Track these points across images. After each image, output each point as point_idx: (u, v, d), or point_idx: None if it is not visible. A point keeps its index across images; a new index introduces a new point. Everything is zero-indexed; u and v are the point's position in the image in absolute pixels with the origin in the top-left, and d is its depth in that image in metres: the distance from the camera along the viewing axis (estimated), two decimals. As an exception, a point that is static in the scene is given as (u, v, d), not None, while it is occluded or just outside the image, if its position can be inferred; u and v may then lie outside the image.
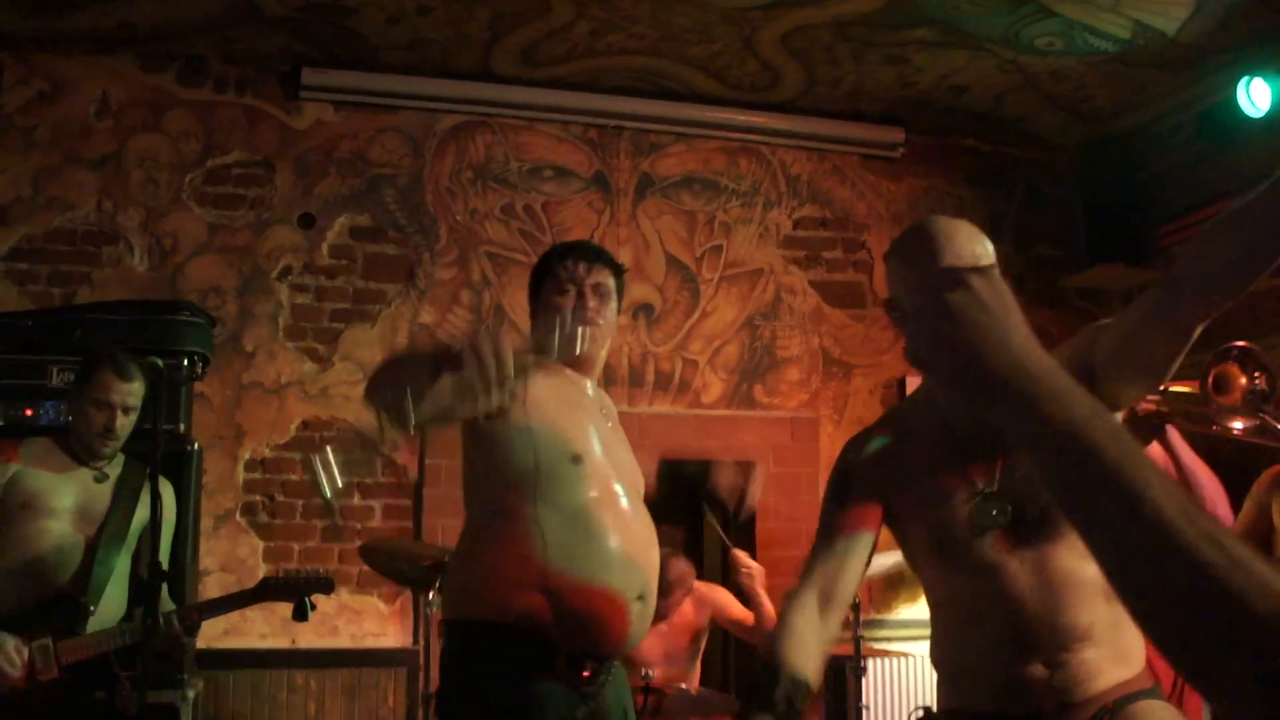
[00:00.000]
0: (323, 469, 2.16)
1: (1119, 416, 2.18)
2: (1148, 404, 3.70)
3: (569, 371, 2.80)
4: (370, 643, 5.16)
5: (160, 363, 3.54)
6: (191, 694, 4.41)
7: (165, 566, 3.59)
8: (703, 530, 6.25)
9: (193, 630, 3.58)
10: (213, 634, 4.88)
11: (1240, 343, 3.43)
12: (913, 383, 5.77)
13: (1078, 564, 2.04)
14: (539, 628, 2.55)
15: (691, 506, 6.17)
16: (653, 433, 5.30)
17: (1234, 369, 3.42)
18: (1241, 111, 5.22)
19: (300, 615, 3.75)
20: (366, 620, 5.18)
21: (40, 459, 3.64)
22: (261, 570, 5.09)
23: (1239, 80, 5.20)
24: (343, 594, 5.15)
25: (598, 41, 5.30)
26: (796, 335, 5.91)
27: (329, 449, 1.97)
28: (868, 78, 5.61)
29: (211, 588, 5.01)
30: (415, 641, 5.10)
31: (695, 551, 5.94)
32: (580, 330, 2.33)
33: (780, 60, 5.44)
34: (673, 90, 5.77)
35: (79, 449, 3.65)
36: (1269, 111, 5.14)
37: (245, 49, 5.36)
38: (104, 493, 3.65)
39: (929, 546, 2.19)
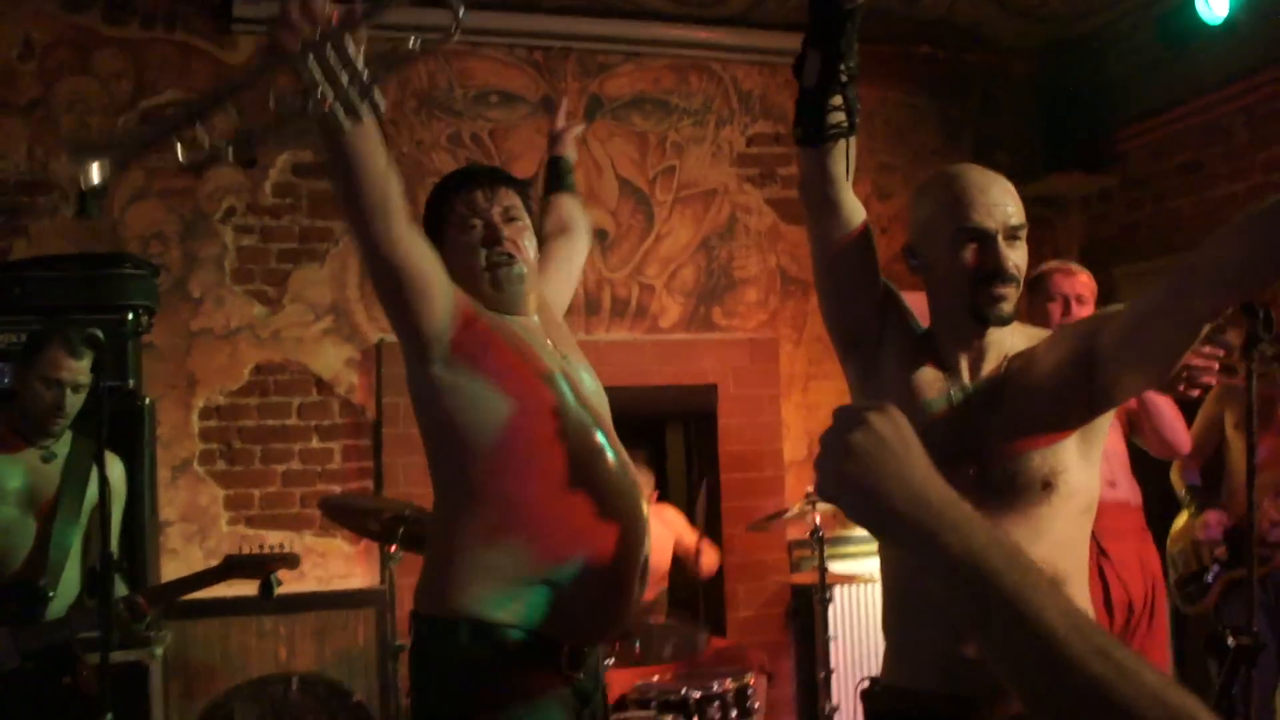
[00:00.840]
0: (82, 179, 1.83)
1: (1110, 413, 2.16)
2: None
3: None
4: (337, 584, 5.16)
5: (100, 335, 3.45)
6: (159, 650, 4.41)
7: (116, 549, 3.57)
8: (666, 453, 6.27)
9: (141, 618, 3.53)
10: (178, 585, 4.87)
11: None
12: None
13: (1028, 544, 2.03)
14: (540, 624, 2.29)
15: (652, 430, 6.19)
16: (611, 359, 5.24)
17: None
18: (1199, 17, 5.11)
19: (266, 594, 3.71)
20: (332, 562, 5.18)
21: None
22: (223, 519, 5.07)
23: (1197, -16, 5.09)
24: (307, 536, 5.13)
25: (540, -38, 5.14)
26: (754, 255, 5.84)
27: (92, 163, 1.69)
28: (819, -12, 5.44)
29: (173, 539, 4.98)
30: (382, 581, 5.09)
31: (658, 475, 5.95)
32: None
33: (729, -26, 5.29)
34: (619, 8, 5.59)
35: (26, 427, 3.57)
36: (1227, 17, 5.04)
37: (172, -20, 5.15)
38: (53, 473, 3.58)
39: None
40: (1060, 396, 2.08)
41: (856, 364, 2.24)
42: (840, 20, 1.92)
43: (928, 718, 2.14)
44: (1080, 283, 3.85)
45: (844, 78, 1.96)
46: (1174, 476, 4.44)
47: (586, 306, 5.55)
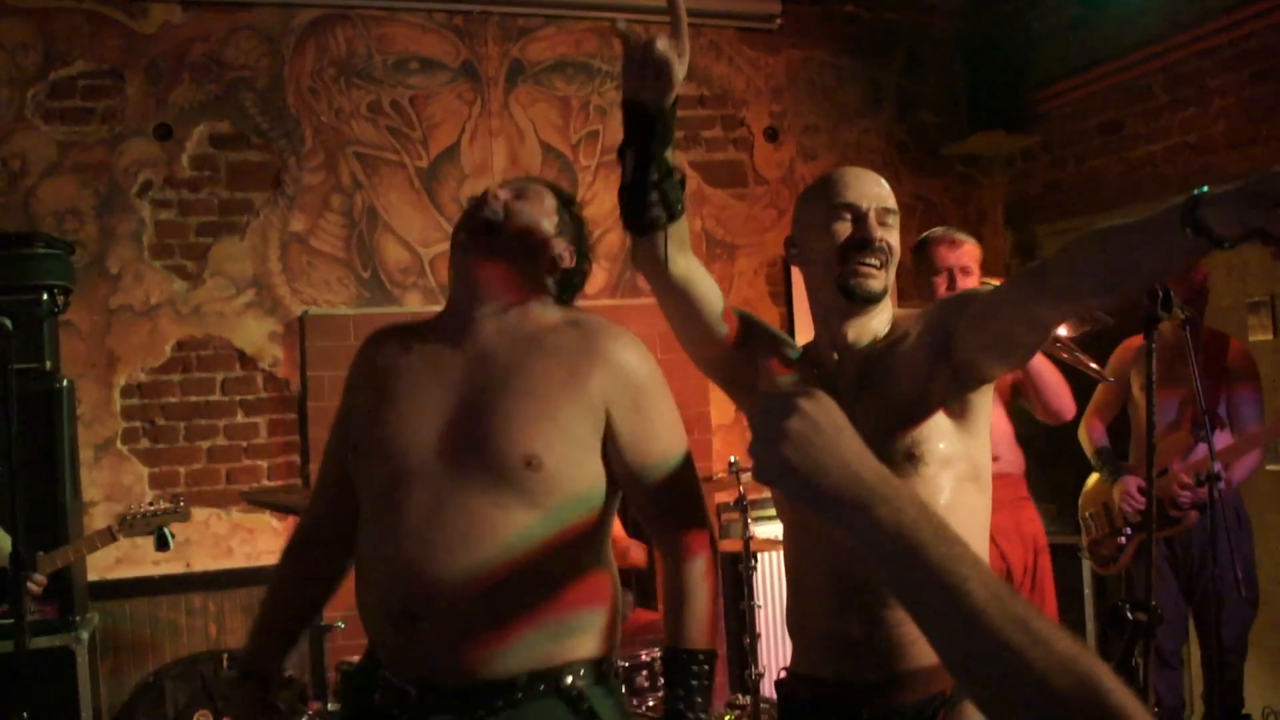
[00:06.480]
0: None
1: (990, 385, 2.18)
2: None
3: None
4: (265, 560, 5.13)
5: (9, 324, 3.38)
6: (86, 634, 4.38)
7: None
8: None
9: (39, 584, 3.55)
10: (104, 565, 4.84)
11: None
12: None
13: None
14: None
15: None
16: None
17: None
18: (1117, -24, 5.15)
19: (162, 546, 3.79)
20: (260, 538, 5.16)
21: None
22: (148, 497, 5.01)
23: (1114, -56, 5.12)
24: (234, 513, 5.11)
25: (456, -73, 5.06)
26: (679, 219, 5.82)
27: None
28: (740, -50, 5.43)
29: (99, 519, 4.92)
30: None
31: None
32: None
33: (648, -63, 5.23)
34: (539, -29, 5.54)
35: None
36: (1144, -23, 5.09)
37: (79, -52, 5.02)
38: None
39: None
40: (922, 373, 2.10)
41: (743, 396, 2.34)
42: (649, 124, 1.99)
43: (823, 703, 2.17)
44: (965, 253, 3.64)
45: (656, 176, 2.01)
46: (1082, 436, 4.47)
47: (512, 274, 5.51)
